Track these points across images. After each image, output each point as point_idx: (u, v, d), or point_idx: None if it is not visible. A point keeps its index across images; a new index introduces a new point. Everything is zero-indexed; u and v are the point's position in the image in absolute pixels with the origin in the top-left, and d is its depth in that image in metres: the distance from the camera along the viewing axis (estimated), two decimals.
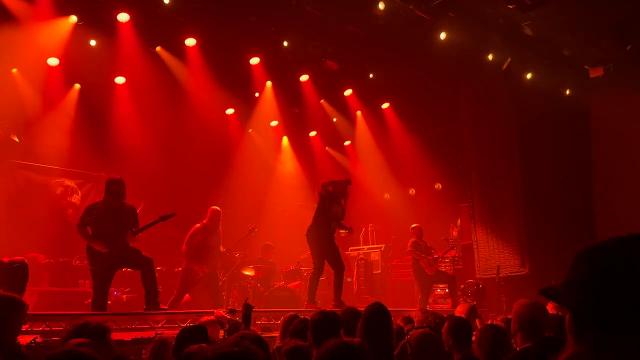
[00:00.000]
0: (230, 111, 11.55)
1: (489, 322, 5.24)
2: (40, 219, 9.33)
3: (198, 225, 7.88)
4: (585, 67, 10.28)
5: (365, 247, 11.84)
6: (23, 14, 8.00)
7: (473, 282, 9.76)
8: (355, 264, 11.06)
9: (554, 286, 1.29)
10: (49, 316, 5.35)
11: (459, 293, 9.49)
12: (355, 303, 8.91)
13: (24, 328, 4.28)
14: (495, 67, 9.84)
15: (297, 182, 12.97)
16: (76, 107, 9.77)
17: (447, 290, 9.89)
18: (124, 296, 8.59)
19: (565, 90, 11.03)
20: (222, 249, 8.27)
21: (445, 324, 3.76)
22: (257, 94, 11.26)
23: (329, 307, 7.15)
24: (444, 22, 8.92)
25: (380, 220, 12.38)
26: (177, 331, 3.86)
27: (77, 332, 3.39)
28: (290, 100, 11.53)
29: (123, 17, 8.54)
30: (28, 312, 3.84)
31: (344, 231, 7.87)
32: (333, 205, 7.56)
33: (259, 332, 5.43)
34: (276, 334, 4.99)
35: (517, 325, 3.45)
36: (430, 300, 9.78)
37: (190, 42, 9.36)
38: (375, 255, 11.44)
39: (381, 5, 8.26)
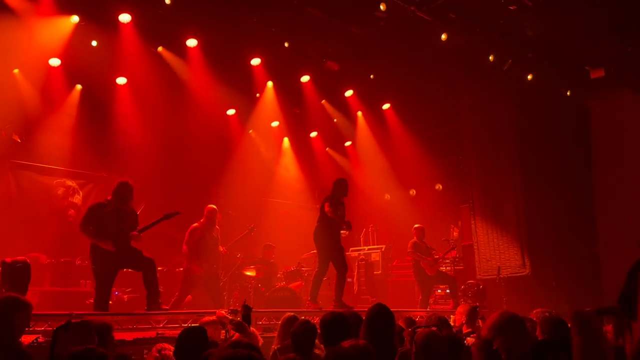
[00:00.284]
0: (231, 112, 11.56)
1: None
2: (42, 219, 9.36)
3: (196, 224, 7.92)
4: (586, 68, 10.29)
5: (366, 247, 11.85)
6: (25, 13, 8.01)
7: (474, 282, 9.76)
8: (356, 264, 11.06)
9: (608, 306, 1.33)
10: (50, 316, 5.36)
11: (459, 294, 9.50)
12: (355, 303, 8.95)
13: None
14: (496, 68, 9.84)
15: (297, 182, 12.99)
16: (78, 108, 9.78)
17: (447, 291, 9.89)
18: (125, 296, 8.60)
19: (566, 91, 11.03)
20: (221, 249, 8.28)
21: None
22: (257, 95, 11.27)
23: (330, 308, 7.18)
24: (445, 23, 8.92)
25: (380, 221, 12.39)
26: (179, 331, 3.87)
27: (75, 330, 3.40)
28: (291, 100, 11.55)
29: (124, 17, 8.55)
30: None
31: (344, 231, 7.90)
32: (338, 208, 7.63)
33: (260, 333, 5.45)
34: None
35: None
36: (431, 301, 9.78)
37: (191, 42, 9.37)
38: (375, 256, 11.45)
39: (382, 6, 8.27)
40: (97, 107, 9.83)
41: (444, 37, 9.09)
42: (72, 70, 9.29)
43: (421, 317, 7.13)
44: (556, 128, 10.96)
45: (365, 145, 12.81)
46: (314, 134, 13.11)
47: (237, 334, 4.32)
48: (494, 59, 9.70)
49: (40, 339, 4.76)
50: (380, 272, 11.24)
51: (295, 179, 13.01)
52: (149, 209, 7.79)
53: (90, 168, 10.02)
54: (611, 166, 10.87)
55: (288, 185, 12.96)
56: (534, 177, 10.61)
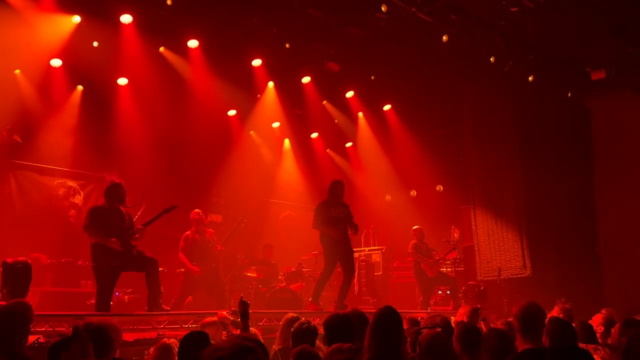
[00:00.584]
0: (232, 112, 11.56)
1: (491, 326, 5.23)
2: (43, 219, 9.36)
3: (187, 232, 8.09)
4: (587, 69, 10.29)
5: (367, 248, 11.84)
6: (26, 13, 8.02)
7: (474, 284, 9.75)
8: (357, 265, 11.05)
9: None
10: (51, 317, 5.36)
11: (460, 295, 9.49)
12: (356, 304, 8.92)
13: None
14: (497, 69, 9.84)
15: (298, 183, 12.99)
16: (79, 108, 9.78)
17: (448, 292, 9.88)
18: (126, 297, 8.60)
19: (567, 93, 11.03)
20: (219, 247, 8.31)
21: (455, 331, 3.73)
22: (258, 96, 11.28)
23: (331, 309, 7.16)
24: (446, 24, 8.92)
25: (381, 222, 12.39)
26: (180, 332, 3.87)
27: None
28: (292, 101, 11.55)
29: (126, 18, 8.56)
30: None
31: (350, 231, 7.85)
32: (336, 209, 7.60)
33: (261, 334, 5.44)
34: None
35: (517, 327, 3.48)
36: (432, 302, 9.77)
37: (192, 43, 9.37)
38: (376, 257, 11.45)
39: (383, 8, 8.27)
40: (98, 107, 9.83)
41: (445, 38, 9.08)
42: (74, 70, 9.30)
43: (422, 318, 7.12)
44: (557, 129, 10.96)
45: (366, 146, 12.81)
46: (314, 135, 13.11)
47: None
48: (495, 60, 9.70)
49: (41, 340, 4.76)
50: (380, 273, 11.24)
51: (296, 179, 13.00)
52: (149, 209, 7.78)
53: (91, 168, 10.01)
54: (612, 167, 10.88)
55: (289, 186, 12.96)
56: (535, 178, 10.61)
